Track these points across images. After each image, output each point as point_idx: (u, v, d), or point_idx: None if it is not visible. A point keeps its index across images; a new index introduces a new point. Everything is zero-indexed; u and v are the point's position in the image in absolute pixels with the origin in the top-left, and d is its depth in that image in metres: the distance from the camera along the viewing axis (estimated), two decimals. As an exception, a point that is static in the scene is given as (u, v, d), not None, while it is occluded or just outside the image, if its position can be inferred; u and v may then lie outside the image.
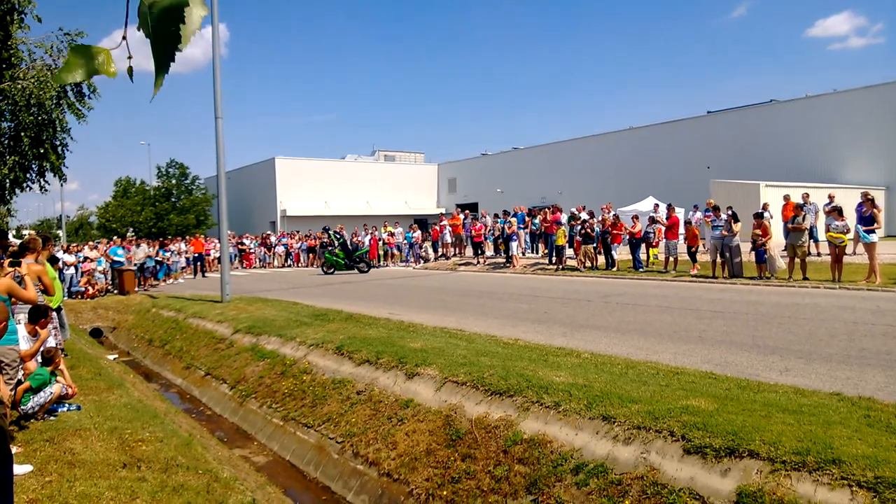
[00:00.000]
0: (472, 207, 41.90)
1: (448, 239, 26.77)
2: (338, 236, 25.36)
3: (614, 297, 13.47)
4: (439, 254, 27.32)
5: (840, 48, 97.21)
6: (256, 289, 18.77)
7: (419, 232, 28.52)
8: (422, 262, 27.02)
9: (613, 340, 8.79)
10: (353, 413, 7.34)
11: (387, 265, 27.60)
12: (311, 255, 30.56)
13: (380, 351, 8.27)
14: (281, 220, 47.35)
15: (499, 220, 23.29)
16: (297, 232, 34.15)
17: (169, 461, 5.48)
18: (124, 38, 1.08)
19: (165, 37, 1.03)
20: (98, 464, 5.19)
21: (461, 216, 26.33)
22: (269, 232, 35.94)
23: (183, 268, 26.57)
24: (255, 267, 31.12)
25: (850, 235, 14.49)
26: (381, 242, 27.97)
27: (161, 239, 28.89)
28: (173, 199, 48.26)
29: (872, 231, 13.19)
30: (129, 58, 1.08)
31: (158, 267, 23.38)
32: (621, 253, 20.22)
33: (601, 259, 19.86)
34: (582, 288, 15.45)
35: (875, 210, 13.46)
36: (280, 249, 32.07)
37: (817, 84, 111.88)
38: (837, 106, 31.86)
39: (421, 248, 27.82)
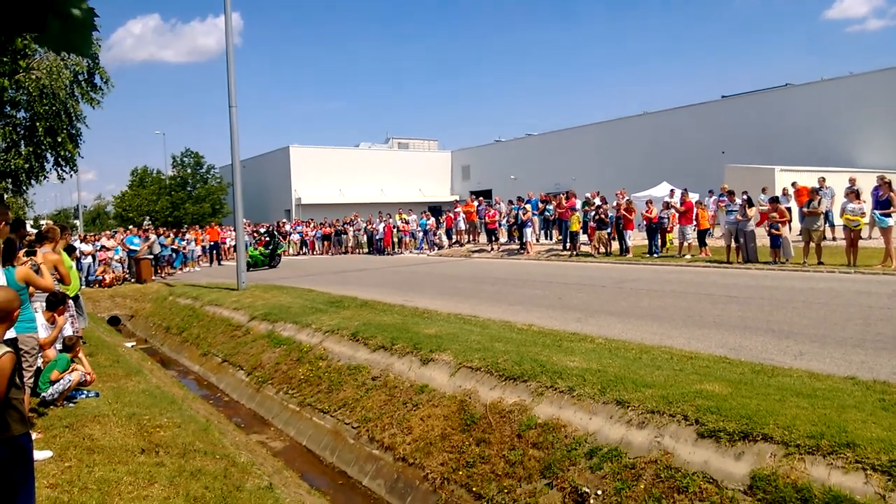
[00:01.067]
0: (486, 194, 41.78)
1: (462, 226, 26.77)
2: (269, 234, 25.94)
3: (628, 282, 13.43)
4: (453, 241, 27.34)
5: (858, 30, 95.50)
6: (272, 276, 18.91)
7: (433, 219, 28.54)
8: (436, 249, 27.05)
9: (627, 326, 8.78)
10: (369, 398, 7.41)
11: (401, 252, 27.67)
12: (325, 242, 30.69)
13: (395, 337, 8.32)
14: (296, 209, 47.56)
15: (513, 207, 23.24)
16: (312, 220, 34.29)
17: (187, 446, 5.58)
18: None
19: None
20: (117, 449, 5.29)
21: (475, 203, 26.29)
22: (283, 220, 36.06)
23: (199, 256, 26.80)
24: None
25: (867, 219, 14.32)
26: (395, 230, 28.03)
27: (178, 228, 29.10)
28: (189, 188, 48.55)
29: (889, 215, 13.02)
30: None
31: (175, 255, 23.61)
32: (635, 239, 20.12)
33: (615, 245, 19.79)
34: (596, 273, 15.41)
35: (892, 194, 13.27)
36: (295, 237, 32.22)
37: (834, 67, 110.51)
38: (853, 89, 31.38)
39: (435, 235, 27.85)
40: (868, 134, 30.20)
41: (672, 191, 21.74)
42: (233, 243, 24.64)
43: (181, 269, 23.98)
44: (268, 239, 24.99)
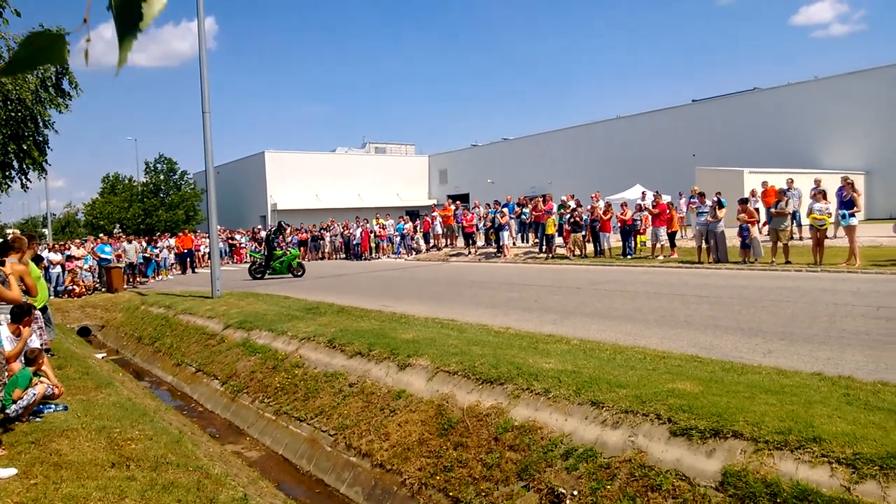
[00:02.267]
0: (464, 198, 41.92)
1: (439, 230, 26.79)
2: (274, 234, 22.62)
3: (603, 284, 13.56)
4: (431, 245, 27.35)
5: (823, 35, 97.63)
6: (247, 284, 18.75)
7: (410, 223, 28.54)
8: (413, 253, 27.04)
9: (602, 326, 8.87)
10: (346, 405, 7.39)
11: (378, 257, 27.61)
12: (302, 248, 30.50)
13: (372, 343, 8.31)
14: (272, 215, 47.19)
15: (490, 211, 23.34)
16: (289, 226, 34.06)
17: (159, 459, 5.50)
18: (85, 20, 1.09)
19: (126, 14, 1.05)
20: (86, 464, 5.19)
21: (452, 207, 26.35)
22: (259, 226, 35.80)
23: (172, 264, 26.48)
24: (245, 262, 31.03)
25: (832, 219, 14.67)
26: (372, 235, 27.96)
27: (150, 236, 28.74)
28: (162, 195, 48.00)
29: (853, 214, 13.36)
30: (87, 40, 1.10)
31: (147, 264, 23.30)
32: (610, 240, 20.34)
33: (590, 247, 19.97)
34: (571, 276, 15.54)
35: (855, 194, 13.63)
36: (270, 244, 31.95)
37: (801, 71, 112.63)
38: (819, 93, 32.17)
39: (412, 239, 27.83)
40: (833, 136, 30.92)
41: (644, 193, 22.01)
42: (207, 250, 24.38)
43: (153, 277, 23.66)
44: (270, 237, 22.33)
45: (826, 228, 14.16)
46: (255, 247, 23.31)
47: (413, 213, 39.94)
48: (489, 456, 5.42)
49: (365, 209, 39.61)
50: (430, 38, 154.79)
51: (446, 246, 26.74)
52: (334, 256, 29.77)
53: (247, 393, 9.24)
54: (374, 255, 27.92)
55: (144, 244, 23.73)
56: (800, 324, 8.14)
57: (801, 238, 18.07)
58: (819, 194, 14.34)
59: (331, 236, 30.05)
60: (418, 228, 28.80)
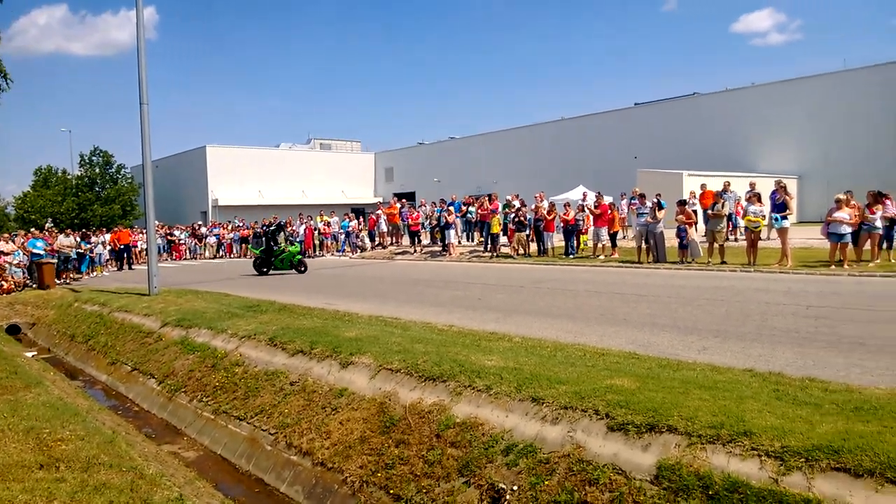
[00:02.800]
0: (410, 196, 41.85)
1: (384, 228, 26.68)
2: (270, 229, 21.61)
3: (546, 282, 13.76)
4: (376, 243, 27.21)
5: (762, 43, 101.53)
6: (186, 281, 18.25)
7: (355, 221, 28.31)
8: (358, 251, 26.85)
9: (544, 324, 9.00)
10: (287, 404, 7.27)
11: (322, 255, 27.29)
12: (244, 245, 29.91)
13: (314, 341, 8.20)
14: (213, 210, 46.13)
15: (436, 209, 23.37)
16: (230, 222, 33.35)
17: (91, 460, 5.30)
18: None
19: None
20: (11, 466, 4.96)
21: (398, 205, 26.28)
22: (199, 222, 34.93)
23: (108, 260, 25.56)
24: (185, 259, 30.23)
25: (766, 221, 15.29)
26: (316, 232, 27.63)
27: (84, 230, 27.63)
28: (97, 189, 46.24)
29: (785, 217, 13.96)
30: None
31: (81, 260, 22.41)
32: (554, 240, 20.66)
33: (533, 246, 20.23)
34: (515, 274, 15.71)
35: (787, 197, 14.24)
36: (212, 240, 31.25)
37: (740, 77, 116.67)
38: (755, 99, 33.50)
39: (357, 237, 27.64)
40: (768, 141, 32.27)
41: (585, 194, 22.46)
42: (145, 246, 23.61)
43: (88, 273, 22.78)
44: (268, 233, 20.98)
45: (760, 230, 14.75)
46: (256, 243, 22.62)
47: (358, 211, 39.67)
48: (431, 453, 5.42)
49: (309, 206, 39.10)
50: (380, 34, 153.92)
51: (392, 244, 26.65)
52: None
53: (185, 392, 8.99)
54: (318, 252, 27.59)
55: (78, 239, 22.80)
56: (734, 322, 8.44)
57: (736, 239, 18.76)
58: (754, 197, 14.96)
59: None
60: (363, 226, 28.61)
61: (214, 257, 30.55)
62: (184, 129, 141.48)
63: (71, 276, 21.41)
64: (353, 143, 68.28)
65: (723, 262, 14.68)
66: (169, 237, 30.16)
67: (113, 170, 47.22)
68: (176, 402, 9.01)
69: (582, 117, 42.38)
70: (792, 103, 31.72)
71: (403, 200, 28.16)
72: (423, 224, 24.46)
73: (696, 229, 16.14)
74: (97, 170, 46.60)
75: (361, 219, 29.59)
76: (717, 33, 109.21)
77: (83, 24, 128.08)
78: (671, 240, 16.16)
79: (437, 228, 23.06)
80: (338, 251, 27.54)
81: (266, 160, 51.14)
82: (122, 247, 25.72)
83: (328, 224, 27.75)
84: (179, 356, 9.95)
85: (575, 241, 19.53)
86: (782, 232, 13.97)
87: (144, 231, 20.74)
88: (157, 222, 18.33)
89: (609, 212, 18.40)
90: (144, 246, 24.23)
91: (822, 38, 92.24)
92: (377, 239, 27.20)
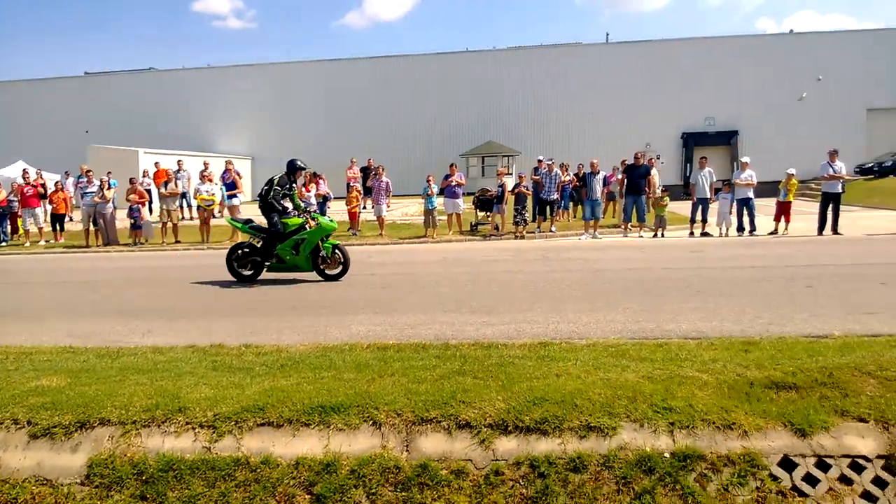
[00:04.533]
0: None
1: None
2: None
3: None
4: None
5: (222, 26, 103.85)
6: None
7: None
8: None
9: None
10: None
11: None
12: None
13: None
14: None
15: None
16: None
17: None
18: None
19: None
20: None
21: None
22: None
23: None
24: None
25: (219, 199, 15.93)
26: None
27: None
28: None
29: (235, 195, 14.82)
30: None
31: None
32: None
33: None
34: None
35: (237, 177, 15.13)
36: None
37: (203, 58, 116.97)
38: (214, 80, 34.65)
39: None
40: (225, 123, 33.93)
41: (25, 170, 19.39)
42: None
43: None
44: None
45: (213, 209, 15.21)
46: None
47: None
48: None
49: None
50: None
51: None
52: None
53: None
54: None
55: None
56: (179, 300, 8.53)
57: (191, 218, 19.00)
58: (206, 177, 15.30)
59: None
60: None
61: None
62: None
63: None
64: None
65: (177, 241, 14.68)
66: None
67: None
68: None
69: (8, 82, 36.36)
70: (247, 88, 33.87)
71: None
72: None
73: (151, 210, 15.72)
74: None
75: None
76: (178, 10, 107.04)
77: None
78: (123, 220, 15.31)
79: None
80: None
81: None
82: None
83: None
84: None
85: (9, 227, 16.65)
86: (233, 210, 14.72)
87: None
88: None
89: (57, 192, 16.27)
90: None
91: (274, 29, 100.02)
92: None
